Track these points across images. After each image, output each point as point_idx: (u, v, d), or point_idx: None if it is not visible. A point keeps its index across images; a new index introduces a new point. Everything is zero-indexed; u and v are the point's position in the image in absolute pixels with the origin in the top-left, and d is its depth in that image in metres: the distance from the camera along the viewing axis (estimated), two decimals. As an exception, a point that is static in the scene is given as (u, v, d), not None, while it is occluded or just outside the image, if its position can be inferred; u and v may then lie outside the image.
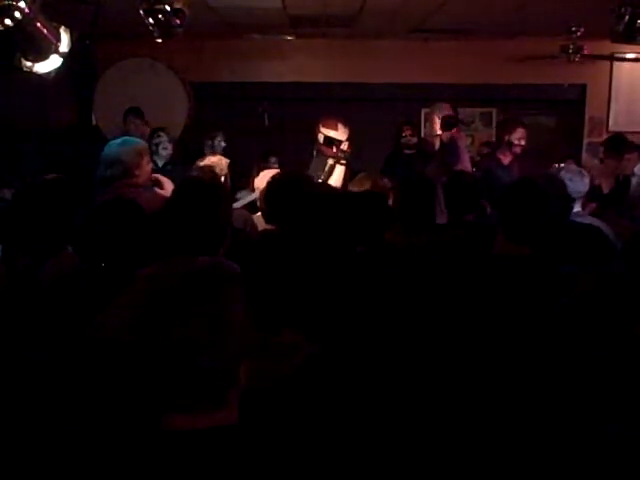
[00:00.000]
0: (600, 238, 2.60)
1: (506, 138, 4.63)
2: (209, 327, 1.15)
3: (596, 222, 3.18)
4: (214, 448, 1.13)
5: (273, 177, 3.03)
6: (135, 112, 5.47)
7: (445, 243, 2.32)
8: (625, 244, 2.31)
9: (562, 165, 4.16)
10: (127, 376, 1.68)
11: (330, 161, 4.77)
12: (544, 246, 2.53)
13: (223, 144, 5.58)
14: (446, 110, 4.53)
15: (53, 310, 2.09)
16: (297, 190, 2.82)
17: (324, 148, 4.77)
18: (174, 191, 2.38)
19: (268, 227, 3.06)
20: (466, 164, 4.21)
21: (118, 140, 3.13)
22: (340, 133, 4.78)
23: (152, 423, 1.18)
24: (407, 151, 5.44)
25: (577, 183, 3.60)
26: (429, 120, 4.81)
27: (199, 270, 1.24)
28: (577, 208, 3.57)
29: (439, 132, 4.45)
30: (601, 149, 5.26)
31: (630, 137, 5.19)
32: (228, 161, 4.26)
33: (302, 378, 1.58)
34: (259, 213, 3.35)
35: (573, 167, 3.92)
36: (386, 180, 3.75)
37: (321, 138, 4.76)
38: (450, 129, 4.36)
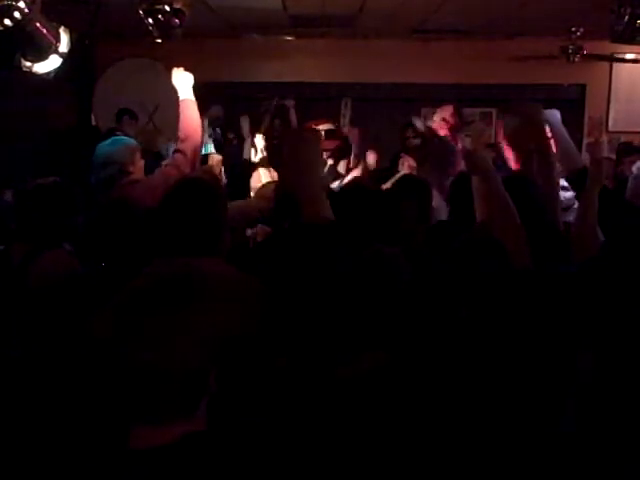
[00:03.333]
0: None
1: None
2: (176, 331, 1.12)
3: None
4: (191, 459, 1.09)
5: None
6: (130, 114, 5.54)
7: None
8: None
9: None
10: (98, 380, 1.66)
11: (330, 161, 4.77)
12: (543, 247, 2.52)
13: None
14: (448, 112, 4.51)
15: (44, 308, 2.09)
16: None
17: (327, 142, 4.77)
18: (170, 190, 2.36)
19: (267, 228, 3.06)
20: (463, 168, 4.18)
21: (107, 141, 3.13)
22: (330, 125, 4.83)
23: (120, 435, 1.14)
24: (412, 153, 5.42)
25: None
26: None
27: (172, 272, 1.22)
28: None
29: None
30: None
31: (630, 137, 5.20)
32: (220, 158, 4.24)
33: (362, 386, 1.56)
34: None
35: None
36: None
37: (322, 134, 4.76)
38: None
